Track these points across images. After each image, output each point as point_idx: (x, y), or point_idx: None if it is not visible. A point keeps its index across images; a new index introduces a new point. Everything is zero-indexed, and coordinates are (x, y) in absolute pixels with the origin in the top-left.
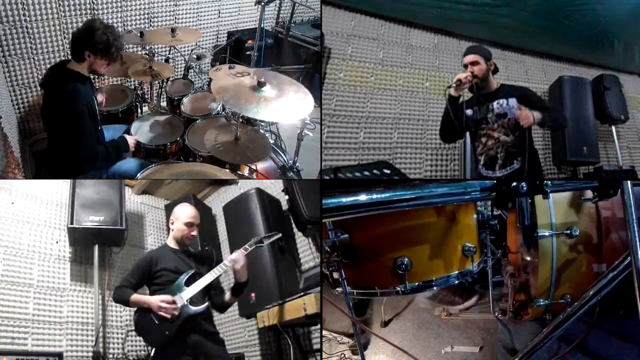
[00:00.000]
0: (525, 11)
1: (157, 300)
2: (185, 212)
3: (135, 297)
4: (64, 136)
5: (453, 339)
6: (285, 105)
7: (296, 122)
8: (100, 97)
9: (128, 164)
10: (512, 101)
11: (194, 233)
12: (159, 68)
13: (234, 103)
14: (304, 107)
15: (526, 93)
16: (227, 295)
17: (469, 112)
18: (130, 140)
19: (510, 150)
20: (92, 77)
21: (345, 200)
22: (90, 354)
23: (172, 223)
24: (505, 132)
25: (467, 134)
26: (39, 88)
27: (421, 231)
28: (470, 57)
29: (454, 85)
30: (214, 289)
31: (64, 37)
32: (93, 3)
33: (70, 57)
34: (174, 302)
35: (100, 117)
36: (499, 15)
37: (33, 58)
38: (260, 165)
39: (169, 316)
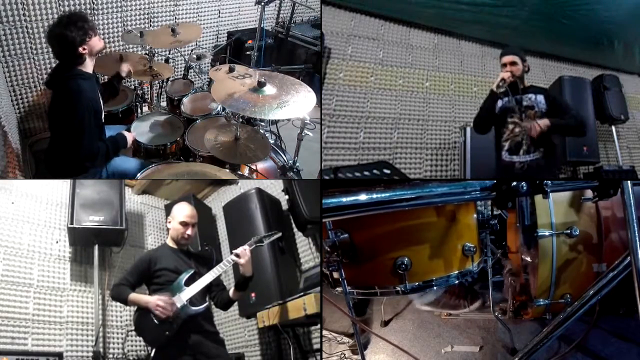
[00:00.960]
0: (525, 11)
1: (154, 300)
2: (181, 212)
3: (133, 296)
4: (66, 134)
5: (453, 338)
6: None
7: (296, 122)
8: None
9: (128, 163)
10: (540, 97)
11: (190, 232)
12: (159, 68)
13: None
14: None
15: (554, 95)
16: (232, 291)
17: (499, 102)
18: (129, 136)
19: (534, 140)
20: (98, 74)
21: (345, 200)
22: (90, 354)
23: (169, 222)
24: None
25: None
26: (39, 88)
27: (421, 231)
28: (509, 58)
29: (500, 84)
30: (215, 286)
31: None
32: (93, 3)
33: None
34: (172, 302)
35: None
36: (499, 15)
37: (33, 58)
38: (260, 165)
39: (164, 317)
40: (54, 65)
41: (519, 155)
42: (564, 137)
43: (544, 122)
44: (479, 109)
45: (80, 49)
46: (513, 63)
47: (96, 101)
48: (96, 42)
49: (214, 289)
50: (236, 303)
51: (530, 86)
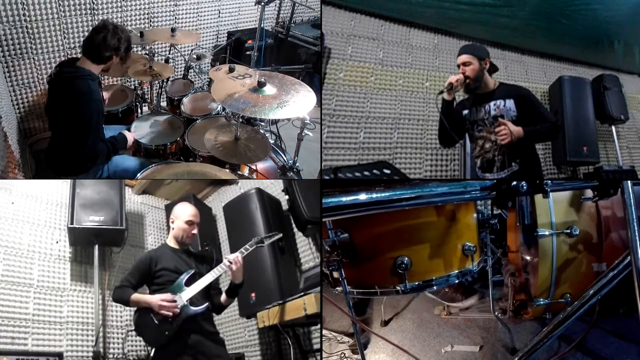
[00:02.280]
0: (525, 11)
1: (157, 300)
2: (185, 211)
3: (135, 296)
4: (71, 133)
5: (453, 338)
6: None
7: (296, 122)
8: (105, 95)
9: (128, 163)
10: (510, 103)
11: (195, 232)
12: (159, 68)
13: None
14: (307, 102)
15: (526, 95)
16: (223, 297)
17: (465, 112)
18: (130, 136)
19: (507, 153)
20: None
21: (345, 199)
22: (90, 354)
23: (172, 222)
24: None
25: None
26: (39, 88)
27: (421, 230)
28: (462, 58)
29: (445, 89)
30: (212, 289)
31: (64, 37)
32: (93, 3)
33: (81, 56)
34: (174, 301)
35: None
36: (499, 15)
37: (33, 58)
38: (260, 165)
39: (170, 314)
40: (54, 65)
41: (492, 173)
42: (563, 137)
43: (517, 132)
44: (439, 120)
45: (115, 55)
46: (466, 63)
47: (102, 102)
48: (117, 66)
49: (212, 292)
50: (236, 303)
51: (499, 86)
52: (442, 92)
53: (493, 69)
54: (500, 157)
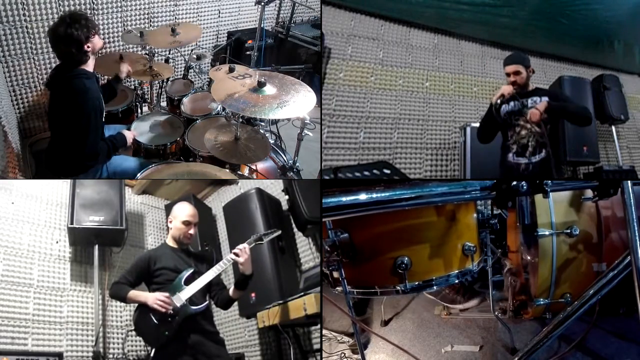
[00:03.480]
0: (525, 11)
1: (153, 296)
2: (183, 211)
3: (132, 293)
4: (70, 132)
5: (453, 338)
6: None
7: (296, 122)
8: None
9: (128, 163)
10: (544, 99)
11: (192, 232)
12: (159, 68)
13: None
14: (307, 102)
15: (559, 93)
16: (232, 290)
17: (505, 107)
18: (129, 135)
19: (539, 141)
20: (98, 74)
21: (345, 199)
22: (90, 354)
23: (171, 222)
24: (537, 124)
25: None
26: (39, 88)
27: (421, 230)
28: (512, 67)
29: (498, 102)
30: (215, 285)
31: None
32: (93, 3)
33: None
34: (169, 298)
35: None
36: (499, 15)
37: (33, 58)
38: (260, 165)
39: (164, 310)
40: (54, 65)
41: (526, 157)
42: (563, 137)
43: (542, 104)
44: (481, 121)
45: (85, 46)
46: (517, 72)
47: (100, 100)
48: (98, 40)
49: (214, 288)
50: (236, 303)
51: (535, 89)
52: (496, 104)
53: (533, 73)
54: (534, 143)
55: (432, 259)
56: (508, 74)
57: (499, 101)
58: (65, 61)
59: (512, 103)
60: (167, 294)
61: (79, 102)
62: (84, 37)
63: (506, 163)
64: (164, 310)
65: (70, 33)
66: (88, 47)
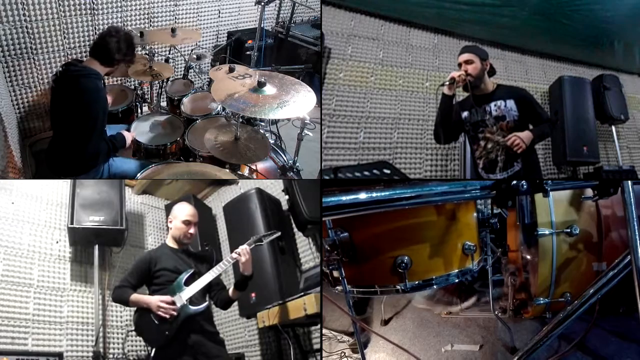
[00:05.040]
0: (525, 11)
1: (156, 300)
2: (183, 211)
3: (134, 296)
4: (76, 130)
5: (453, 337)
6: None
7: (296, 122)
8: (109, 98)
9: (128, 164)
10: (510, 103)
11: (192, 231)
12: (159, 68)
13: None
14: (307, 102)
15: (525, 96)
16: (231, 291)
17: (465, 114)
18: (128, 136)
19: (510, 153)
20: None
21: (345, 198)
22: (90, 354)
23: (171, 222)
24: (504, 135)
25: (466, 135)
26: (39, 88)
27: (421, 230)
28: (464, 56)
29: (447, 83)
30: (215, 286)
31: (64, 37)
32: (93, 3)
33: (89, 57)
34: (173, 303)
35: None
36: (499, 15)
37: (33, 58)
38: (260, 165)
39: (167, 316)
40: (54, 65)
41: (496, 174)
42: (563, 137)
43: (527, 137)
44: (436, 117)
45: (123, 61)
46: (469, 61)
47: (107, 102)
48: (122, 70)
49: (214, 289)
50: (236, 303)
51: (497, 88)
52: (443, 84)
53: (492, 71)
54: (503, 157)
55: (432, 258)
56: (460, 65)
57: (446, 86)
58: (99, 60)
59: (471, 110)
60: (170, 298)
61: (89, 102)
62: (127, 58)
63: (480, 176)
64: (167, 316)
65: (125, 47)
66: (119, 62)
